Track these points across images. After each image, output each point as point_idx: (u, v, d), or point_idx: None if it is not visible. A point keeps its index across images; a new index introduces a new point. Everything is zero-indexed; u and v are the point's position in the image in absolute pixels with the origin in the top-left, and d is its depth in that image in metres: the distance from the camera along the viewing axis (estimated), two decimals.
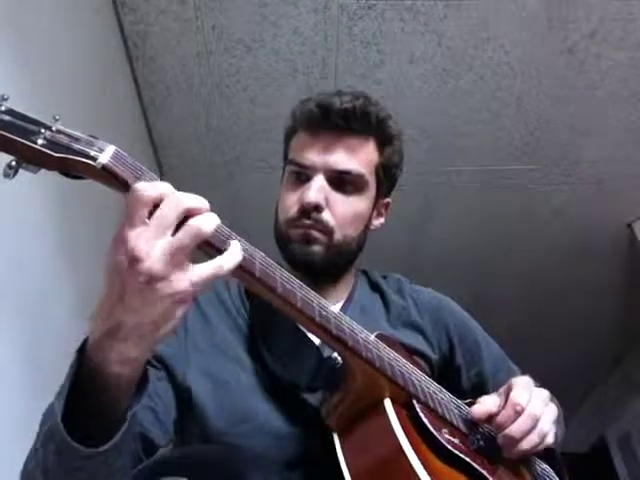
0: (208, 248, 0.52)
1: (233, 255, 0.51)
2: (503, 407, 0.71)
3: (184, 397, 0.75)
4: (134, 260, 0.46)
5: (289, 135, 0.92)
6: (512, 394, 0.71)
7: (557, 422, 0.75)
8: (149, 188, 0.48)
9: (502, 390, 0.75)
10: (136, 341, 0.49)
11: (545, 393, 0.75)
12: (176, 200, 0.48)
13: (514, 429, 0.69)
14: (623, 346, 3.05)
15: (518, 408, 0.69)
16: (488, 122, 1.92)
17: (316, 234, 0.82)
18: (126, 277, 0.47)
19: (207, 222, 0.49)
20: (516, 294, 2.73)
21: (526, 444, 0.69)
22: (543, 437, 0.70)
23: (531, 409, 0.70)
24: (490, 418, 0.72)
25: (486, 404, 0.73)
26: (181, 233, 0.48)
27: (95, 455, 0.50)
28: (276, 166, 2.05)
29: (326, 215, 0.82)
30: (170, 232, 0.47)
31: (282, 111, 1.95)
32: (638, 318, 2.76)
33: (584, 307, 2.76)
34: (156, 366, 0.73)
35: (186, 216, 0.48)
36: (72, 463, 0.51)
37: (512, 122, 1.92)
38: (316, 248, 0.82)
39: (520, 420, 0.69)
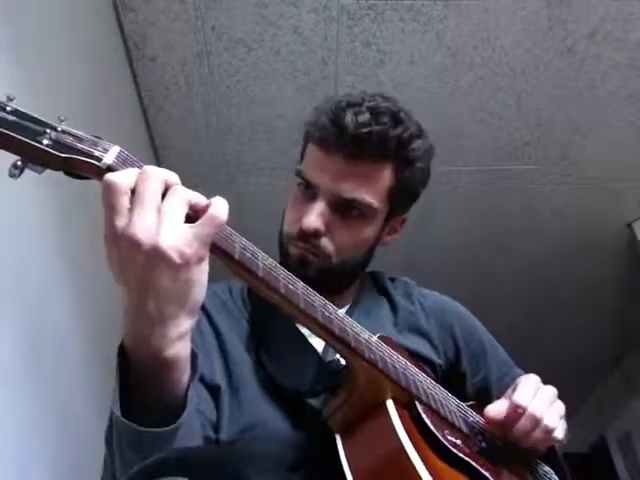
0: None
1: (221, 202, 0.51)
2: (505, 410, 0.71)
3: (215, 396, 0.75)
4: (135, 246, 0.46)
5: (306, 136, 0.87)
6: (514, 396, 0.72)
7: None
8: (120, 176, 0.47)
9: (509, 392, 0.76)
10: (174, 316, 0.49)
11: (552, 390, 0.76)
12: (150, 176, 0.48)
13: (516, 430, 0.70)
14: (623, 346, 3.05)
15: (519, 410, 0.70)
16: (488, 122, 1.92)
17: (311, 258, 0.80)
18: (137, 265, 0.47)
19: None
20: (516, 294, 2.73)
21: (530, 441, 0.70)
22: (549, 433, 0.70)
23: (532, 409, 0.70)
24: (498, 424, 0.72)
25: (499, 406, 0.73)
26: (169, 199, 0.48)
27: (175, 431, 0.52)
28: (276, 167, 2.05)
29: (324, 241, 0.80)
30: (156, 205, 0.47)
31: (282, 111, 1.97)
32: (638, 318, 2.76)
33: (584, 307, 2.76)
34: None
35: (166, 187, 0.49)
36: (152, 451, 0.52)
37: (512, 122, 1.92)
38: (310, 272, 0.80)
39: (522, 420, 0.70)
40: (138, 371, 0.51)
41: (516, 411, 0.70)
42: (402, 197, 0.85)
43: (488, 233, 2.40)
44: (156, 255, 0.46)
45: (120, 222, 0.47)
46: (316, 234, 0.79)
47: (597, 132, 1.94)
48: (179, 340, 0.50)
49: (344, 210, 0.80)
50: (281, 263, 0.82)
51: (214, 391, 0.75)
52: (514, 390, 0.74)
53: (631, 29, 1.62)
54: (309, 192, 0.81)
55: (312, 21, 1.62)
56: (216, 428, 0.73)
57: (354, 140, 0.77)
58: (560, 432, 0.72)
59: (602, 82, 1.78)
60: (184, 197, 0.49)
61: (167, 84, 1.79)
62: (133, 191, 0.47)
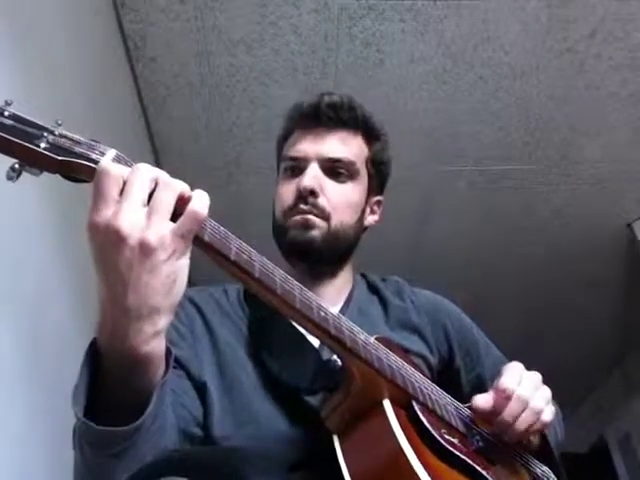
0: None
1: (202, 197, 0.51)
2: (492, 397, 0.72)
3: (202, 393, 0.75)
4: (120, 239, 0.46)
5: (281, 140, 0.95)
6: (499, 382, 0.73)
7: (554, 415, 0.76)
8: (115, 166, 0.48)
9: (495, 382, 0.76)
10: (152, 311, 0.49)
11: (536, 376, 0.76)
12: (140, 171, 0.49)
13: (505, 414, 0.70)
14: (623, 346, 3.05)
15: (507, 393, 0.71)
16: (488, 122, 1.92)
17: (314, 219, 0.84)
18: (120, 258, 0.47)
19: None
20: (516, 294, 2.73)
21: (521, 425, 0.70)
22: (538, 415, 0.71)
23: (519, 392, 0.71)
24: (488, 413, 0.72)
25: (481, 399, 0.73)
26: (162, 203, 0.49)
27: (133, 431, 0.50)
28: (276, 167, 2.05)
29: (322, 200, 0.84)
30: (143, 199, 0.48)
31: (282, 111, 1.94)
32: (638, 318, 2.76)
33: (584, 307, 2.76)
34: (175, 366, 0.72)
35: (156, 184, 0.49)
36: (112, 450, 0.52)
37: (512, 122, 1.92)
38: (315, 233, 0.83)
39: (510, 405, 0.70)
40: (110, 368, 0.51)
41: (503, 396, 0.71)
42: (375, 170, 0.93)
43: (488, 233, 2.40)
44: (140, 250, 0.47)
45: (107, 211, 0.47)
46: (314, 193, 0.83)
47: (597, 132, 1.95)
48: (154, 337, 0.50)
49: (333, 173, 0.87)
50: (281, 244, 0.86)
51: (201, 389, 0.75)
52: (499, 378, 0.74)
53: (631, 29, 1.62)
54: (296, 170, 0.88)
55: (312, 21, 1.62)
56: (204, 425, 0.73)
57: (329, 106, 0.88)
58: (548, 415, 0.72)
59: (602, 82, 1.78)
60: (174, 193, 0.49)
61: (167, 84, 1.79)
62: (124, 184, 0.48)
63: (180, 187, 0.50)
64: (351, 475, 0.62)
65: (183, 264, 0.50)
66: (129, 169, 0.49)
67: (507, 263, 2.55)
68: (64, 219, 1.20)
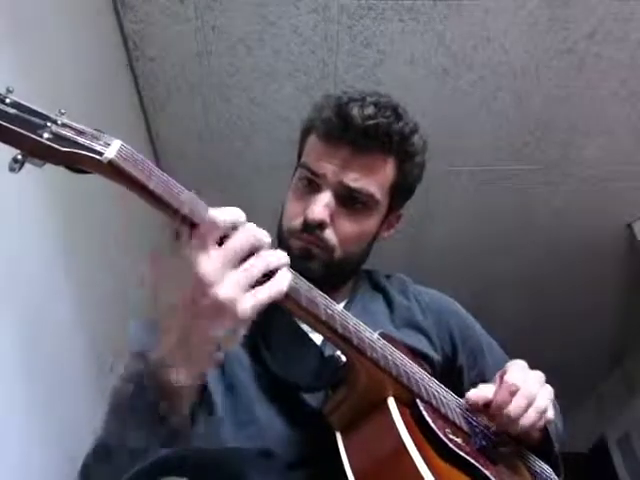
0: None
1: (285, 276, 0.55)
2: (498, 391, 0.72)
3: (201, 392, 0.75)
4: (205, 285, 0.49)
5: (306, 131, 0.88)
6: (506, 377, 0.73)
7: (555, 412, 0.77)
8: (224, 214, 0.52)
9: (498, 375, 0.76)
10: (199, 359, 0.53)
11: (540, 375, 0.77)
12: (248, 231, 0.53)
13: (510, 409, 0.70)
14: (623, 346, 3.05)
15: (512, 389, 0.71)
16: (488, 122, 1.92)
17: (316, 250, 0.80)
18: (195, 301, 0.50)
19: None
20: (516, 294, 2.73)
21: (525, 421, 0.70)
22: (541, 413, 0.71)
23: (526, 388, 0.71)
24: (486, 405, 0.73)
25: (482, 390, 0.74)
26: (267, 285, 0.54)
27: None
28: (276, 167, 2.05)
29: (329, 233, 0.80)
30: (239, 262, 0.52)
31: (282, 111, 1.96)
32: (638, 318, 2.76)
33: (584, 307, 2.76)
34: None
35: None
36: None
37: (512, 122, 1.92)
38: (314, 265, 0.80)
39: (515, 400, 0.70)
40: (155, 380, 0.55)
41: (509, 390, 0.70)
42: (401, 191, 0.87)
43: (488, 233, 2.40)
44: (214, 304, 0.50)
45: (202, 256, 0.51)
46: (321, 225, 0.78)
47: (597, 132, 1.94)
48: (187, 376, 0.54)
49: (348, 202, 0.81)
50: None
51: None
52: (504, 373, 0.74)
53: (631, 29, 1.62)
54: (313, 185, 0.82)
55: (312, 21, 1.62)
56: (211, 423, 0.74)
57: (361, 132, 0.78)
58: (551, 412, 0.73)
59: (602, 82, 1.78)
60: (266, 264, 0.54)
61: (167, 84, 1.79)
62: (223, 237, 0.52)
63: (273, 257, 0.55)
64: (354, 472, 0.62)
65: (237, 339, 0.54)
66: (235, 219, 0.53)
67: (507, 263, 2.55)
68: (64, 218, 1.19)
